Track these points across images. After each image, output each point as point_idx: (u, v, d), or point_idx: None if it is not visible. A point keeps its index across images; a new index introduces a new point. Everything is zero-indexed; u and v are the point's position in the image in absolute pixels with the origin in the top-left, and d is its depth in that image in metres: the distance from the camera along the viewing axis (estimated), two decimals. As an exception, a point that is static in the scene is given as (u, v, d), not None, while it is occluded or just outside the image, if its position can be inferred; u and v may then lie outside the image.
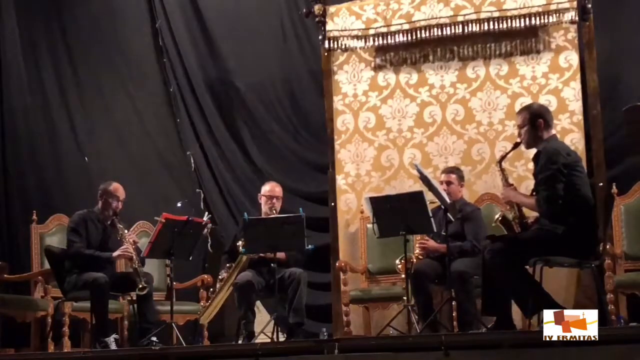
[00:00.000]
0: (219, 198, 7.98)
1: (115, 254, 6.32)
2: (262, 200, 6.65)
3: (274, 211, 6.46)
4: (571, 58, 6.74)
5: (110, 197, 6.47)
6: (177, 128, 8.26)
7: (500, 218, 5.46)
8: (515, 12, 6.76)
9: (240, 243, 6.32)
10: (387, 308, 6.68)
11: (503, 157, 5.55)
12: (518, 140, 5.39)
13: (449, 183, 6.29)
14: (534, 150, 5.31)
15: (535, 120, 5.23)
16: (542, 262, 5.09)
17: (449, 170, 6.43)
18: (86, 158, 8.26)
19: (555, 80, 6.77)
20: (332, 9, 7.25)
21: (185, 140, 8.19)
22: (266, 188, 6.68)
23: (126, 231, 6.42)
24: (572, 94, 6.70)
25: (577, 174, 5.10)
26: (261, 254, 6.30)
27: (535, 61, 6.84)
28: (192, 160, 8.12)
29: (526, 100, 6.70)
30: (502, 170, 5.48)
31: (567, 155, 5.12)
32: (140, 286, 6.10)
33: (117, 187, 6.52)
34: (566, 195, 5.03)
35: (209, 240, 7.53)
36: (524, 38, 6.85)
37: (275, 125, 7.96)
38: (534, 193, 5.23)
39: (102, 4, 8.56)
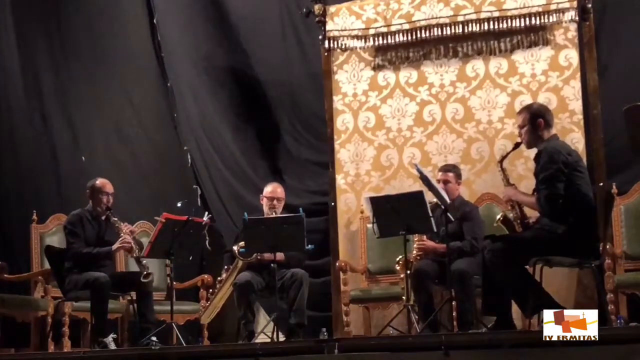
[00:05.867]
0: (215, 194, 7.97)
1: (114, 246, 6.32)
2: (264, 202, 6.62)
3: (275, 212, 6.44)
4: (571, 57, 6.74)
5: (99, 193, 6.47)
6: (174, 123, 8.25)
7: (501, 218, 5.46)
8: (516, 12, 6.76)
9: (235, 248, 6.32)
10: (387, 308, 6.68)
11: (504, 158, 5.54)
12: (519, 140, 5.39)
13: (446, 182, 6.22)
14: (534, 150, 5.31)
15: (536, 120, 5.23)
16: (542, 262, 5.08)
17: (446, 169, 6.35)
18: (83, 157, 8.24)
19: (555, 78, 6.76)
20: (332, 8, 7.26)
21: (182, 136, 8.17)
22: (268, 189, 6.65)
23: (122, 223, 6.41)
24: (572, 93, 6.69)
25: (578, 173, 5.10)
26: (258, 257, 6.29)
27: (535, 58, 6.83)
28: (188, 156, 8.11)
29: (526, 98, 6.71)
30: (503, 170, 5.48)
31: (567, 155, 5.12)
32: (145, 273, 6.12)
33: (104, 183, 6.52)
34: (567, 194, 5.03)
35: (207, 237, 7.49)
36: (524, 36, 6.85)
37: (274, 121, 7.95)
38: (535, 192, 5.23)
39: (99, -1, 8.56)
